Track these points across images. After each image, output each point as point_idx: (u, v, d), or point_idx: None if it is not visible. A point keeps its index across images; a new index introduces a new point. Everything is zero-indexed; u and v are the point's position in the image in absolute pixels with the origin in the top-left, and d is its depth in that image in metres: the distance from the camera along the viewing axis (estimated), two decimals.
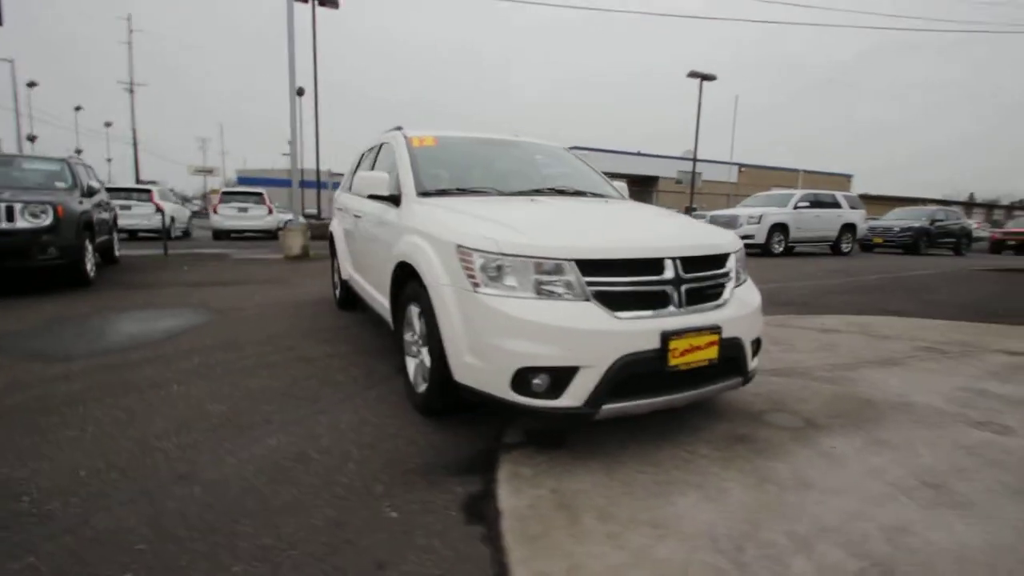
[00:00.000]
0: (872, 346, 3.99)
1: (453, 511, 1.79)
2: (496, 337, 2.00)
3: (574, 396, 1.97)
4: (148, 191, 13.60)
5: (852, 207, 15.17)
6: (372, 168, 3.94)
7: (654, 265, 2.15)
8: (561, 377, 1.97)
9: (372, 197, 3.12)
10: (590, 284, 2.03)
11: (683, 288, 2.17)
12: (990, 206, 59.82)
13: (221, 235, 15.44)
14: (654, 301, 2.12)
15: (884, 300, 6.28)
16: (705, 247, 2.31)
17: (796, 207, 14.00)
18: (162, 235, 11.10)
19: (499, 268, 2.06)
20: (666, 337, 2.02)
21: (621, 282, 2.08)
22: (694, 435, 2.37)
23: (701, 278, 2.25)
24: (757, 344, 2.47)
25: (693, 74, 24.35)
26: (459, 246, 2.17)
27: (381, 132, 4.27)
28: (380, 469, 2.05)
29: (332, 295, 5.57)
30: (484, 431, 2.41)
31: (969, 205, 57.17)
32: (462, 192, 2.95)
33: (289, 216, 24.07)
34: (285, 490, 1.89)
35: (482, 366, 2.07)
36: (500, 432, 2.39)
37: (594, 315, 1.99)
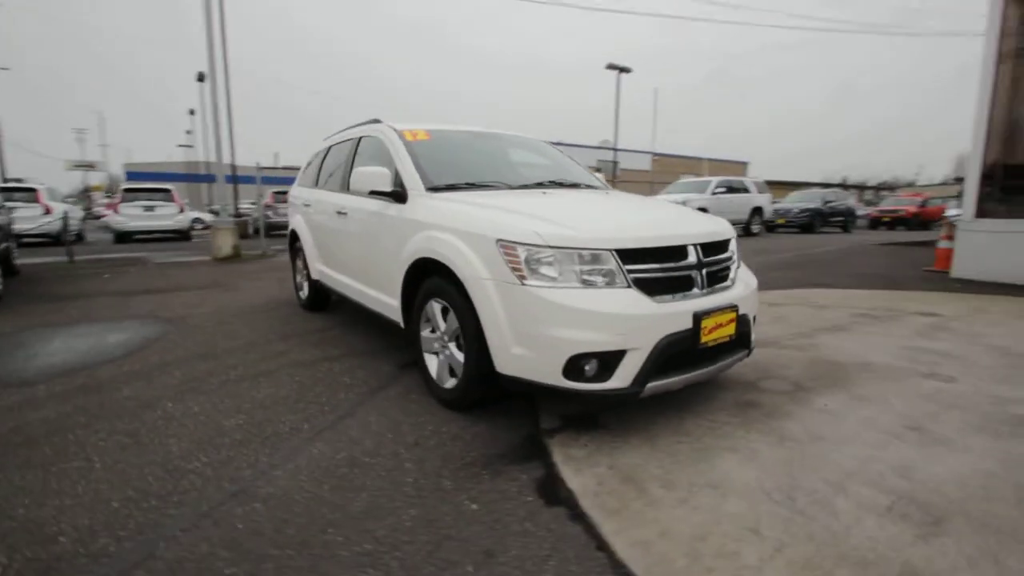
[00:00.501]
0: (817, 316, 4.51)
1: (529, 496, 1.86)
2: (548, 327, 2.08)
3: (622, 378, 2.11)
4: (33, 190, 11.90)
5: (759, 192, 16.66)
6: (351, 163, 3.81)
7: (680, 252, 2.33)
8: (610, 361, 2.09)
9: (374, 194, 3.03)
10: (629, 272, 2.17)
11: (704, 272, 2.38)
12: (859, 187, 67.86)
13: (124, 238, 13.89)
14: (682, 285, 2.30)
15: (807, 275, 7.03)
16: (716, 233, 2.53)
17: (714, 193, 15.13)
18: (60, 240, 9.83)
19: (544, 260, 2.13)
20: (698, 317, 2.21)
21: (654, 268, 2.24)
22: (709, 405, 2.61)
23: (715, 262, 2.47)
24: (754, 319, 2.75)
25: (611, 66, 25.27)
26: (500, 240, 2.21)
27: (353, 125, 4.14)
28: (439, 466, 2.07)
29: (295, 297, 5.30)
30: (519, 420, 2.48)
31: (844, 187, 64.48)
32: (471, 187, 2.96)
33: (198, 214, 22.21)
34: (356, 496, 1.86)
35: (532, 356, 2.14)
36: (535, 419, 2.48)
37: (637, 301, 2.13)
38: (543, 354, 2.11)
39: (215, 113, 8.95)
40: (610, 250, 2.16)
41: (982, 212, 5.86)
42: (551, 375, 2.11)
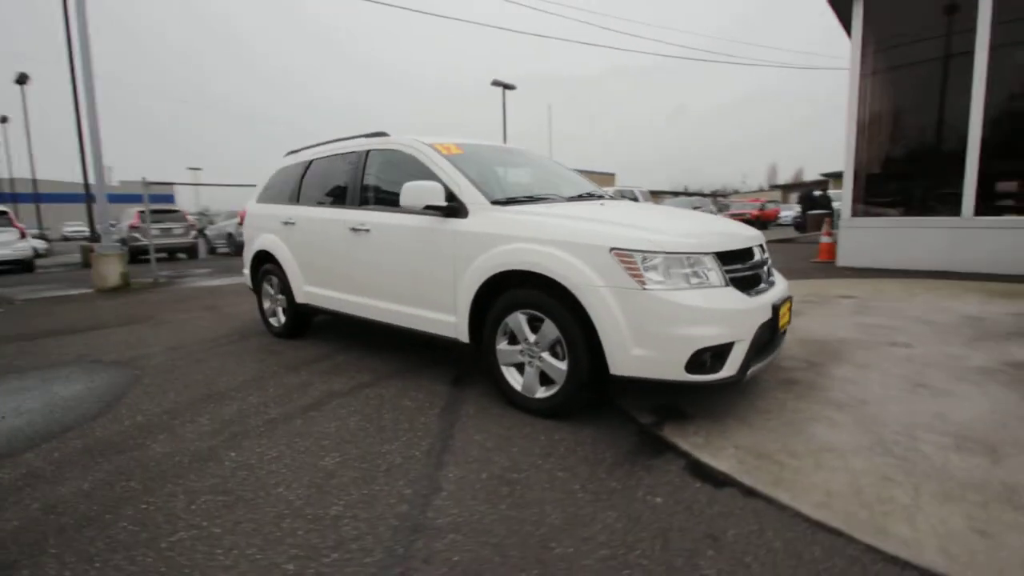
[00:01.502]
0: None
1: (696, 483, 2.00)
2: (673, 327, 2.25)
3: (731, 366, 2.34)
4: None
5: (646, 201, 18.46)
6: (360, 178, 3.60)
7: (749, 253, 2.65)
8: (723, 352, 2.31)
9: (429, 208, 2.93)
10: (727, 272, 2.43)
11: (763, 269, 2.73)
12: (699, 194, 78.04)
13: None
14: (755, 281, 2.62)
15: None
16: (761, 236, 2.91)
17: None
18: None
19: (659, 266, 2.29)
20: (776, 307, 2.53)
21: (739, 268, 2.52)
22: (759, 387, 2.96)
23: (766, 260, 2.84)
24: None
25: (496, 83, 26.13)
26: (614, 249, 2.32)
27: (344, 137, 3.92)
28: (590, 470, 2.12)
29: (257, 325, 4.78)
30: (610, 421, 2.59)
31: (702, 195, 73.55)
32: (531, 199, 3.02)
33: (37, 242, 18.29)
34: (542, 509, 1.84)
35: (654, 355, 2.28)
36: (626, 418, 2.62)
37: (738, 297, 2.39)
38: (666, 352, 2.27)
39: (92, 121, 7.59)
40: (711, 253, 2.40)
41: (856, 212, 7.24)
42: (674, 371, 2.28)
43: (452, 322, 2.98)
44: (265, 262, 4.54)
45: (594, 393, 2.53)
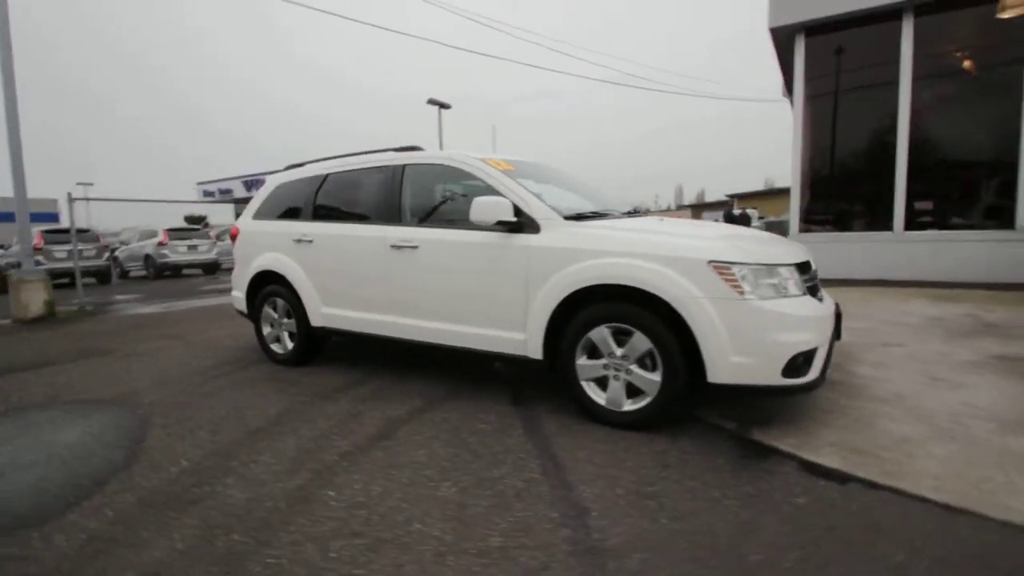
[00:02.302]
0: None
1: (821, 481, 2.10)
2: (772, 334, 2.37)
3: (815, 371, 2.50)
4: None
5: None
6: (399, 193, 3.45)
7: (808, 265, 2.85)
8: (810, 357, 2.47)
9: (500, 224, 2.87)
10: (804, 282, 2.60)
11: (818, 279, 2.95)
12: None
13: None
14: (815, 290, 2.83)
15: None
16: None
17: None
18: None
19: (751, 276, 2.42)
20: (839, 315, 2.75)
21: (807, 279, 2.71)
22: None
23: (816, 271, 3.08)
24: None
25: (432, 102, 26.05)
26: (712, 261, 2.42)
27: (385, 151, 3.74)
28: (718, 479, 2.15)
29: (261, 352, 4.39)
30: (698, 429, 2.67)
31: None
32: (596, 215, 3.05)
33: None
34: (705, 520, 1.85)
35: (752, 362, 2.38)
36: (713, 426, 2.70)
37: (816, 305, 2.57)
38: (765, 359, 2.38)
39: (12, 133, 6.60)
40: (792, 264, 2.56)
41: (801, 229, 8.01)
42: (771, 376, 2.39)
43: (520, 339, 2.93)
44: (266, 283, 4.19)
45: (686, 403, 2.59)
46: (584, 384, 2.77)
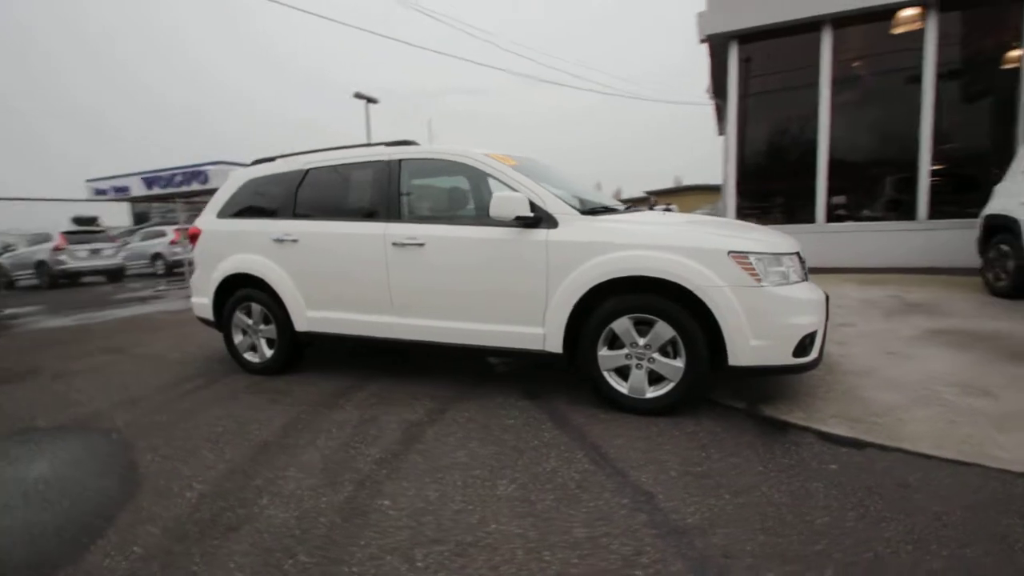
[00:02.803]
0: None
1: (842, 448, 2.32)
2: (786, 317, 2.57)
3: (815, 351, 2.74)
4: None
5: None
6: (396, 189, 3.32)
7: (799, 254, 3.11)
8: (813, 338, 2.70)
9: (517, 219, 2.85)
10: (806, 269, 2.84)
11: (806, 267, 3.23)
12: None
13: None
14: (806, 276, 3.09)
15: None
16: None
17: None
18: None
19: (767, 265, 2.60)
20: (827, 299, 3.03)
21: (803, 266, 2.96)
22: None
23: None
24: None
25: (358, 96, 25.05)
26: (732, 252, 2.57)
27: (374, 145, 3.57)
28: (755, 455, 2.30)
29: (232, 362, 4.04)
30: (716, 411, 2.83)
31: None
32: (607, 210, 3.12)
33: None
34: (764, 493, 1.98)
35: (769, 344, 2.57)
36: (726, 407, 2.88)
37: (816, 290, 2.81)
38: (780, 341, 2.58)
39: None
40: (796, 253, 2.79)
41: None
42: (784, 357, 2.60)
43: (538, 334, 2.95)
44: (237, 287, 3.87)
45: (705, 387, 2.74)
46: (606, 374, 2.85)
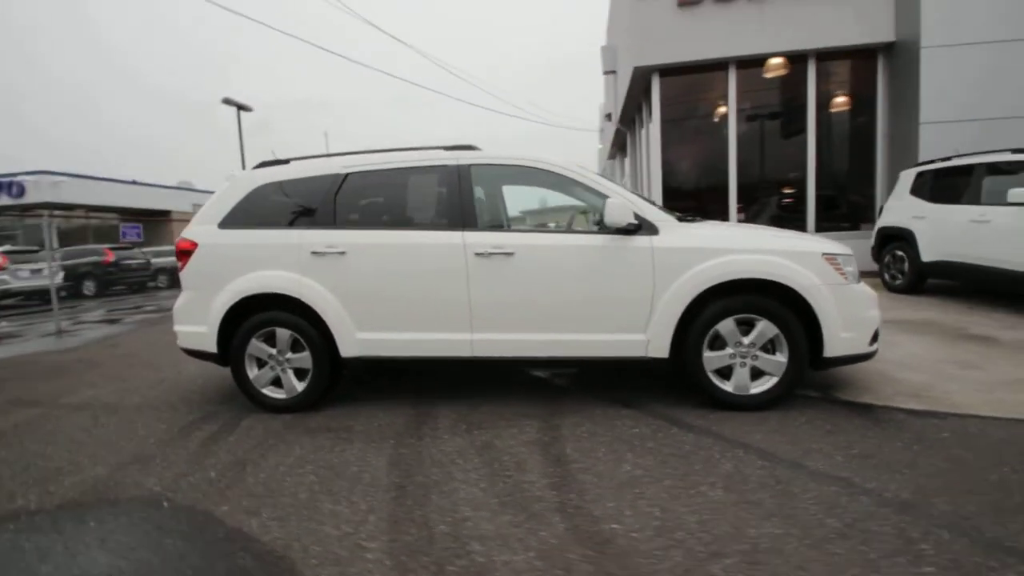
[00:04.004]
0: None
1: (933, 420, 2.68)
2: (867, 311, 2.92)
3: (878, 341, 3.13)
4: None
5: None
6: (470, 196, 3.10)
7: None
8: (878, 328, 3.09)
9: (631, 224, 2.84)
10: None
11: None
12: None
13: None
14: None
15: None
16: None
17: None
18: None
19: (847, 265, 2.94)
20: None
21: None
22: None
23: None
24: None
25: (227, 101, 22.47)
26: (825, 254, 2.86)
27: (431, 149, 3.28)
28: (862, 436, 2.56)
29: (231, 400, 3.36)
30: (805, 402, 3.08)
31: None
32: (684, 218, 3.23)
33: None
34: (916, 465, 2.21)
35: (854, 335, 2.90)
36: (806, 396, 3.15)
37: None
38: (862, 332, 2.92)
39: None
40: (852, 255, 3.18)
41: None
42: (863, 346, 2.94)
43: (641, 340, 2.96)
44: (252, 311, 3.26)
45: (803, 379, 2.98)
46: (711, 375, 2.95)
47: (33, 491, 2.40)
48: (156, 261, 16.72)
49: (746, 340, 2.90)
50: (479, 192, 3.19)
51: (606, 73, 13.21)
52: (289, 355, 3.28)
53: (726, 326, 2.90)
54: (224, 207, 3.40)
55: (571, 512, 1.99)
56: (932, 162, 6.22)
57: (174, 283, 17.54)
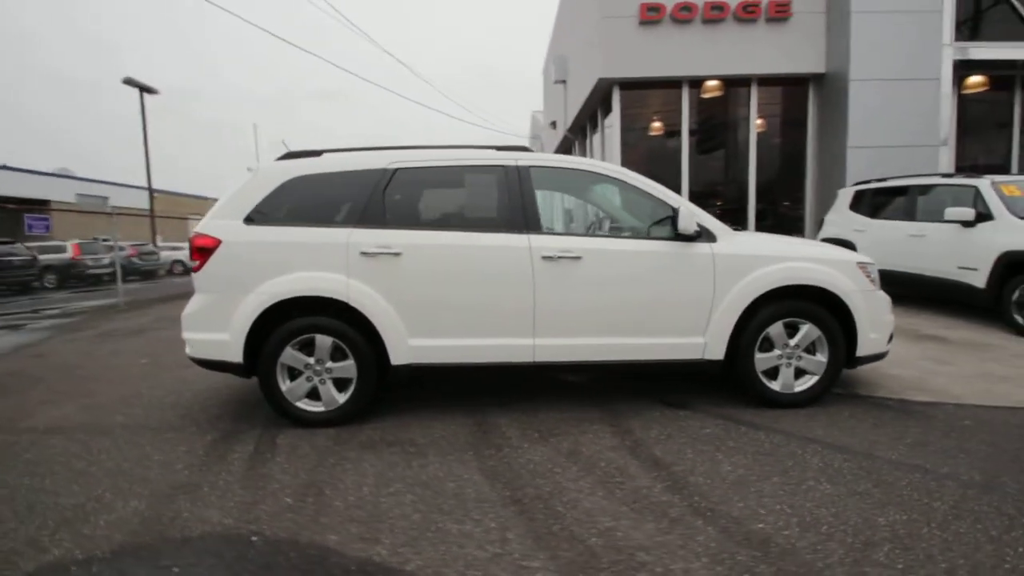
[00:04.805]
0: None
1: (935, 412, 3.04)
2: (887, 315, 3.25)
3: (892, 340, 3.48)
4: None
5: None
6: (532, 197, 3.03)
7: None
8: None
9: (679, 234, 2.94)
10: None
11: None
12: None
13: None
14: None
15: None
16: None
17: None
18: None
19: (874, 273, 3.25)
20: None
21: None
22: None
23: None
24: None
25: (128, 82, 19.97)
26: (859, 263, 3.15)
27: (483, 148, 3.15)
28: (917, 426, 2.86)
29: (271, 412, 3.01)
30: (833, 399, 3.35)
31: None
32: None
33: None
34: (965, 448, 2.50)
35: (879, 337, 3.21)
36: (839, 396, 3.43)
37: None
38: (883, 333, 3.25)
39: None
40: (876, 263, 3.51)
41: None
42: (883, 345, 3.27)
43: (698, 343, 3.07)
44: (286, 317, 2.94)
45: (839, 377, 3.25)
46: (761, 376, 3.12)
47: (63, 535, 1.99)
48: (44, 258, 14.48)
49: (792, 342, 3.11)
50: (542, 194, 3.13)
51: (556, 82, 13.49)
52: (330, 364, 3.00)
53: (776, 329, 3.09)
54: (250, 201, 3.04)
55: (709, 515, 2.02)
56: (868, 182, 7.05)
57: (64, 283, 15.29)
